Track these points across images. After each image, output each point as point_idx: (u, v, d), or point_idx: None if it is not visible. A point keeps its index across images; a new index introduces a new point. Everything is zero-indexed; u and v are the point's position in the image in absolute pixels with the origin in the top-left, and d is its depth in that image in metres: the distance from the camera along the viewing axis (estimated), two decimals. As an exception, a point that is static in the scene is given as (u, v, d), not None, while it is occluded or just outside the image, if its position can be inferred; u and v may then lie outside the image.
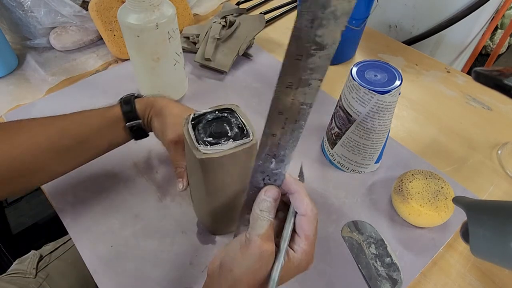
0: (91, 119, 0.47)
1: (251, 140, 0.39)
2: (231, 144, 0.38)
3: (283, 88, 0.27)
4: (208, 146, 0.38)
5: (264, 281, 0.30)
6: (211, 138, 0.39)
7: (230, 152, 0.38)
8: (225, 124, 0.40)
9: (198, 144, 0.38)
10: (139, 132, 0.49)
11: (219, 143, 0.38)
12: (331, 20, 0.23)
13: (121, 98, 0.49)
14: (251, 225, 0.31)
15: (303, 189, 0.33)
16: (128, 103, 0.48)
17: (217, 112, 0.41)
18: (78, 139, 0.46)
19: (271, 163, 0.32)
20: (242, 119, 0.41)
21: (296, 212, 0.32)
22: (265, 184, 0.33)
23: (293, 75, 0.26)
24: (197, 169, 0.40)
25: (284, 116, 0.29)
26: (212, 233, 0.50)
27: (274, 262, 0.31)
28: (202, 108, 0.42)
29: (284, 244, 0.31)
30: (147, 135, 0.51)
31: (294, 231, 0.32)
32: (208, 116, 0.41)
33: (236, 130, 0.40)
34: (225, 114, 0.41)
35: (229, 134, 0.39)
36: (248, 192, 0.34)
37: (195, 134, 0.39)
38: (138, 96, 0.49)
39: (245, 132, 0.40)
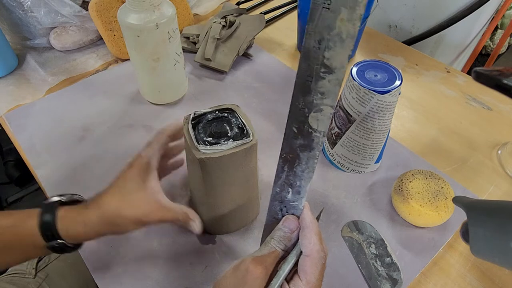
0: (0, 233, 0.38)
1: (251, 140, 0.39)
2: (231, 144, 0.38)
3: (296, 110, 0.27)
4: (208, 146, 0.38)
5: None
6: (211, 138, 0.39)
7: (230, 152, 0.38)
8: (225, 124, 0.40)
9: (198, 144, 0.38)
10: (65, 250, 0.39)
11: (219, 143, 0.38)
12: (337, 42, 0.24)
13: (43, 203, 0.39)
14: (257, 250, 0.31)
15: (316, 227, 0.31)
16: (48, 213, 0.38)
17: (217, 112, 0.41)
18: None
19: (288, 193, 0.31)
20: (242, 119, 0.41)
21: (301, 251, 0.31)
22: (283, 216, 0.33)
23: (305, 98, 0.26)
24: (196, 169, 0.40)
25: (299, 141, 0.29)
26: (211, 233, 0.50)
27: None
28: (202, 108, 0.42)
29: (278, 280, 0.29)
30: (78, 247, 0.42)
31: (297, 271, 0.30)
32: (208, 116, 0.41)
33: (236, 130, 0.40)
34: (225, 114, 0.41)
35: (229, 134, 0.39)
36: (267, 221, 0.34)
37: (195, 134, 0.39)
38: (65, 203, 0.40)
39: (245, 132, 0.40)
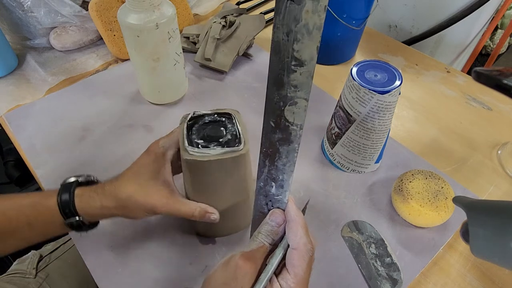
0: (22, 209, 0.40)
1: (241, 149, 0.38)
2: (219, 150, 0.37)
3: (272, 104, 0.27)
4: (196, 149, 0.37)
5: None
6: (202, 141, 0.39)
7: (217, 158, 0.37)
8: (221, 129, 0.40)
9: (188, 145, 0.38)
10: (82, 228, 0.41)
11: (208, 147, 0.38)
12: (305, 34, 0.24)
13: (62, 184, 0.41)
14: (246, 246, 0.31)
15: (301, 220, 0.31)
16: (67, 191, 0.40)
17: (216, 115, 0.41)
18: (3, 229, 0.40)
19: (272, 187, 0.32)
20: (239, 126, 0.40)
21: (288, 244, 0.31)
22: (268, 210, 0.33)
23: (279, 92, 0.26)
24: (186, 169, 0.40)
25: (277, 135, 0.29)
26: (201, 234, 0.50)
27: (252, 286, 0.29)
28: (202, 108, 0.42)
29: (266, 275, 0.30)
30: (95, 226, 0.44)
31: (285, 265, 0.30)
32: (206, 118, 0.41)
33: (229, 136, 0.39)
34: (223, 119, 0.41)
35: (221, 140, 0.39)
36: (254, 216, 0.34)
37: (188, 134, 0.39)
38: (82, 183, 0.42)
39: (238, 140, 0.39)
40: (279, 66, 0.26)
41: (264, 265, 0.31)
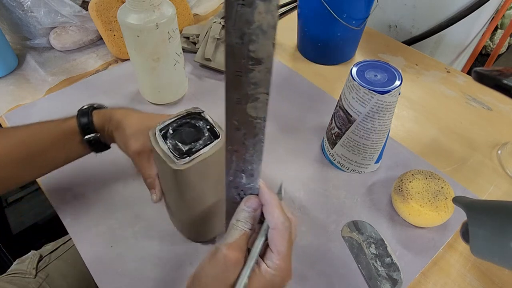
0: (47, 131, 0.46)
1: (175, 163, 0.37)
2: (165, 148, 0.37)
3: (232, 104, 0.27)
4: (158, 132, 0.38)
5: None
6: (170, 133, 0.38)
7: (157, 150, 0.37)
8: (196, 139, 0.38)
9: (160, 128, 0.38)
10: (98, 146, 0.48)
11: (165, 140, 0.38)
12: (260, 34, 0.23)
13: (79, 110, 0.47)
14: (225, 235, 0.31)
15: (276, 201, 0.32)
16: (85, 115, 0.46)
17: (208, 127, 0.39)
18: (33, 151, 0.45)
19: (242, 178, 0.32)
20: (207, 147, 0.38)
21: (268, 226, 0.31)
22: (241, 198, 0.33)
23: (239, 91, 0.26)
24: None
25: (242, 131, 0.29)
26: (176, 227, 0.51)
27: (241, 272, 0.30)
28: (206, 109, 0.41)
29: (252, 259, 0.30)
30: (108, 147, 0.49)
31: (268, 245, 0.31)
32: (200, 122, 0.40)
33: (185, 149, 0.38)
34: (207, 134, 0.39)
35: (179, 145, 0.38)
36: (227, 207, 0.34)
37: (172, 121, 0.39)
38: (97, 107, 0.48)
39: (185, 156, 0.37)
40: (236, 67, 0.25)
41: (247, 250, 0.31)
